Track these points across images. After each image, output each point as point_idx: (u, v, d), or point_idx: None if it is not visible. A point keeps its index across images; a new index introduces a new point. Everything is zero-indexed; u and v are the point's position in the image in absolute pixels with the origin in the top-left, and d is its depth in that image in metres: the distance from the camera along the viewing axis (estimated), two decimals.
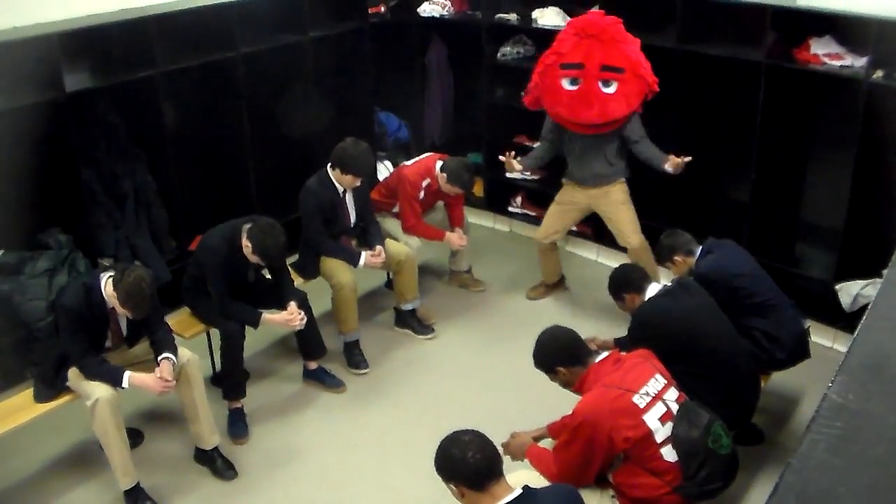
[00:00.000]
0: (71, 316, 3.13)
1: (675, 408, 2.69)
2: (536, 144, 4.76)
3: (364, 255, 4.16)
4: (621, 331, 3.47)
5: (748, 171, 4.27)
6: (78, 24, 3.77)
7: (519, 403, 3.79)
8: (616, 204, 4.34)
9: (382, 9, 5.43)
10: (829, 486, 1.23)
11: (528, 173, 5.39)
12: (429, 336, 4.50)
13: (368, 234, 4.29)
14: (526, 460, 2.86)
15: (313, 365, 4.09)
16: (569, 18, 4.96)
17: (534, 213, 5.46)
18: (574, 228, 5.20)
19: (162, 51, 4.02)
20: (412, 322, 4.52)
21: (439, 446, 2.24)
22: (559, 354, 2.80)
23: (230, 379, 3.74)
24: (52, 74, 3.62)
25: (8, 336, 3.65)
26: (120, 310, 3.15)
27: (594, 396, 2.65)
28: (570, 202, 4.51)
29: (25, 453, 3.58)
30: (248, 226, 3.59)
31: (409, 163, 4.63)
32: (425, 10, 5.44)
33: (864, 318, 1.71)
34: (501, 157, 4.50)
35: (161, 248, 4.29)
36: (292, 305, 3.73)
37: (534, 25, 5.04)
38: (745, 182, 4.32)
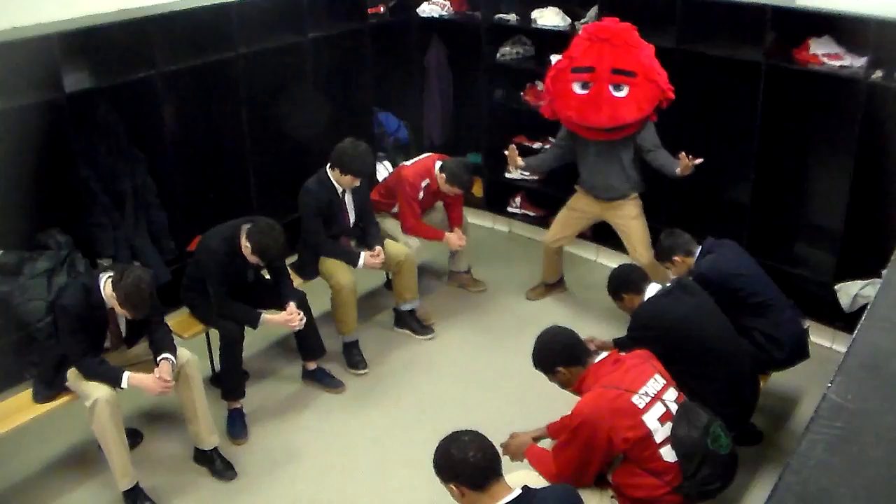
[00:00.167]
0: (70, 316, 3.12)
1: (674, 408, 2.69)
2: (546, 147, 4.76)
3: (363, 256, 4.16)
4: (620, 331, 3.47)
5: (747, 171, 4.27)
6: (77, 25, 3.77)
7: (518, 404, 3.78)
8: (628, 219, 4.29)
9: (382, 9, 5.43)
10: (828, 486, 1.23)
11: (528, 174, 5.40)
12: (428, 336, 4.50)
13: (368, 235, 4.29)
14: (525, 460, 2.86)
15: (312, 365, 4.09)
16: (568, 19, 4.99)
17: (533, 214, 5.47)
18: None
19: (161, 51, 4.02)
20: (411, 322, 4.52)
21: (438, 446, 2.24)
22: (558, 355, 2.80)
23: (229, 379, 3.73)
24: (52, 75, 3.62)
25: (7, 336, 3.66)
26: (119, 310, 3.15)
27: (593, 397, 2.65)
28: (581, 210, 4.48)
29: (25, 454, 3.58)
30: (247, 226, 3.59)
31: (408, 163, 4.63)
32: (424, 10, 5.44)
33: (864, 318, 1.71)
34: (505, 151, 4.49)
35: (160, 249, 4.29)
36: (291, 306, 3.73)
37: (533, 26, 5.04)
38: (745, 182, 4.32)
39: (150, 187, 4.24)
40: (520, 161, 4.49)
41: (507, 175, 5.47)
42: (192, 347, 3.52)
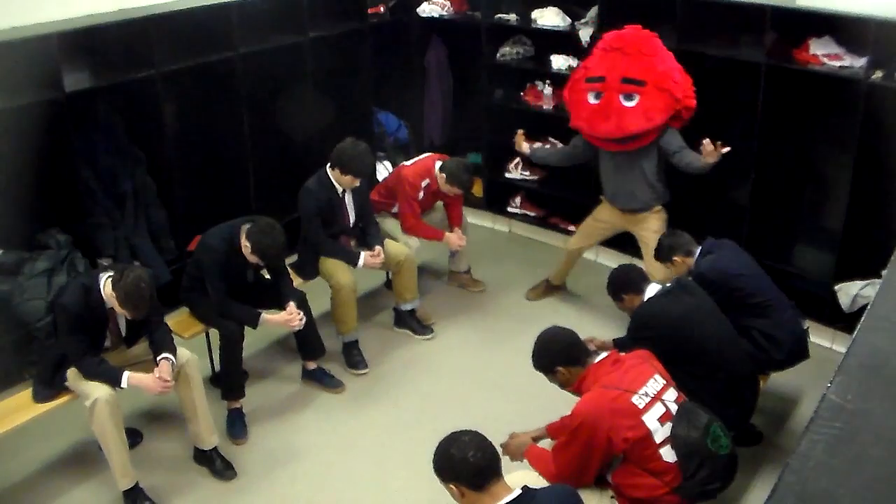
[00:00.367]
0: (70, 316, 3.12)
1: (674, 408, 2.69)
2: (545, 146, 4.75)
3: (363, 256, 4.16)
4: (620, 331, 3.47)
5: (747, 171, 4.27)
6: (77, 25, 3.77)
7: (518, 404, 3.78)
8: (650, 231, 4.19)
9: (382, 9, 5.43)
10: (827, 487, 1.23)
11: (528, 173, 5.41)
12: (428, 336, 4.50)
13: (368, 235, 4.29)
14: (525, 461, 2.86)
15: (312, 365, 4.09)
16: (568, 19, 4.99)
17: (533, 214, 5.47)
18: (573, 228, 5.21)
19: (161, 51, 4.02)
20: (411, 322, 4.52)
21: (438, 447, 2.25)
22: (558, 355, 2.80)
23: (229, 379, 3.73)
24: (52, 74, 3.62)
25: (7, 336, 3.65)
26: (119, 310, 3.15)
27: (593, 397, 2.65)
28: (604, 221, 4.44)
29: (24, 453, 3.58)
30: (247, 226, 3.59)
31: (408, 163, 4.63)
32: (425, 10, 5.44)
33: (863, 318, 1.71)
34: (518, 132, 4.50)
35: (160, 249, 4.29)
36: (291, 306, 3.73)
37: (533, 26, 5.04)
38: (745, 182, 4.32)
39: (150, 187, 4.24)
40: (526, 147, 4.48)
41: (507, 175, 5.48)
42: (191, 347, 3.52)
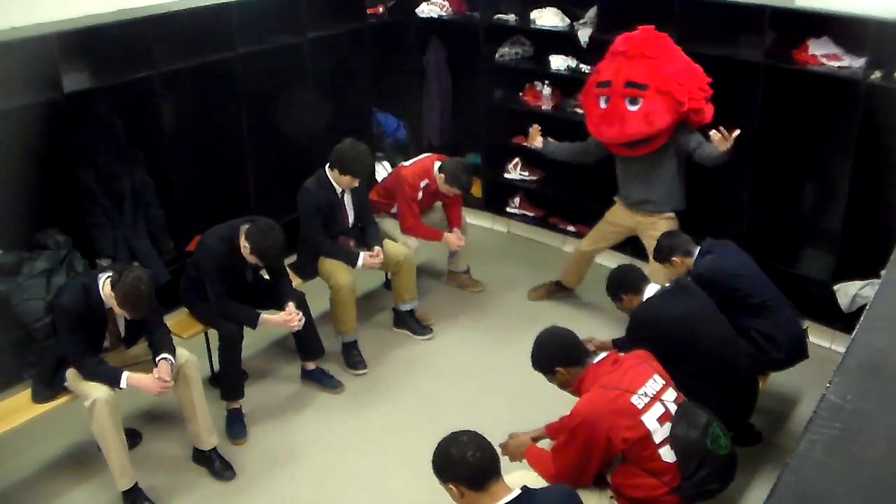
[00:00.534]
0: (69, 316, 3.12)
1: (673, 408, 2.69)
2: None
3: (362, 256, 4.16)
4: (620, 331, 3.47)
5: (746, 171, 4.27)
6: (76, 25, 3.77)
7: (517, 404, 3.78)
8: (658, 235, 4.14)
9: (381, 9, 5.44)
10: (827, 487, 1.23)
11: (526, 174, 5.41)
12: (427, 337, 4.50)
13: (367, 235, 4.29)
14: (524, 461, 2.86)
15: (311, 365, 4.08)
16: (567, 19, 4.99)
17: (532, 214, 5.47)
18: (572, 229, 5.22)
19: (160, 51, 4.02)
20: (410, 322, 4.52)
21: (437, 447, 2.25)
22: (557, 355, 2.80)
23: (228, 379, 3.73)
24: (51, 74, 3.62)
25: (6, 336, 3.65)
26: (118, 310, 3.15)
27: (592, 397, 2.65)
28: (615, 223, 4.39)
29: (23, 454, 3.57)
30: (246, 226, 3.59)
31: (407, 163, 4.63)
32: (423, 10, 5.44)
33: (863, 318, 1.71)
34: (534, 126, 4.51)
35: (159, 249, 4.30)
36: (290, 306, 3.73)
37: (532, 26, 5.04)
38: (744, 182, 4.32)
39: (150, 187, 4.24)
40: (539, 140, 4.48)
41: (506, 175, 5.48)
42: (191, 347, 3.52)
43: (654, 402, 2.65)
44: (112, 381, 3.18)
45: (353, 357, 4.22)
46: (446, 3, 5.43)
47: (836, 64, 3.91)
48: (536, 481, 2.62)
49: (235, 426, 3.73)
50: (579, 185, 5.04)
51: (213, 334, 3.81)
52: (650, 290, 3.26)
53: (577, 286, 4.76)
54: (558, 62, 4.98)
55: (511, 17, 5.14)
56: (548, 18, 4.99)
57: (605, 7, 4.62)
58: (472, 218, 5.38)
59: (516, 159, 5.44)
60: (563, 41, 4.96)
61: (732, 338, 3.22)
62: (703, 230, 3.78)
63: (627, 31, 4.06)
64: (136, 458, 3.43)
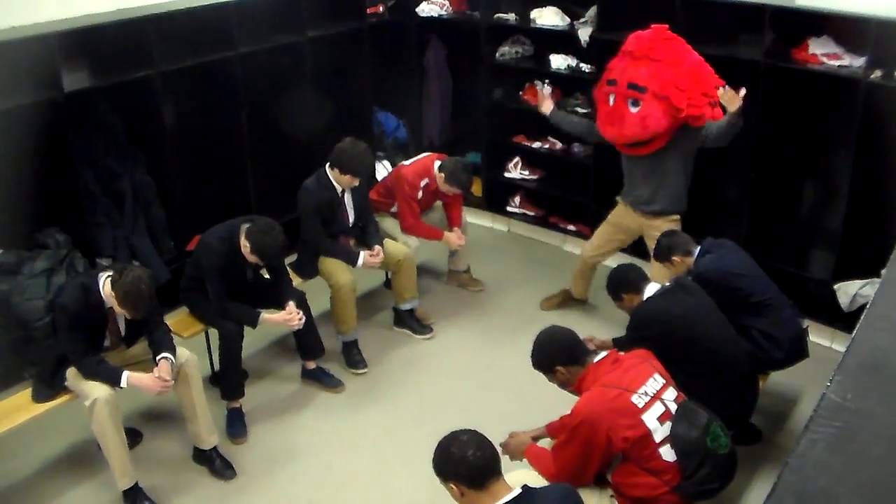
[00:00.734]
0: (69, 315, 3.12)
1: (673, 407, 2.69)
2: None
3: (362, 255, 4.16)
4: (620, 331, 3.47)
5: (746, 170, 4.27)
6: (76, 24, 3.77)
7: (517, 403, 3.78)
8: None
9: (381, 9, 5.43)
10: (827, 486, 1.23)
11: (527, 173, 5.41)
12: (427, 336, 4.50)
13: (367, 234, 4.29)
14: (525, 460, 2.86)
15: (312, 365, 4.09)
16: (567, 19, 4.99)
17: (532, 213, 5.47)
18: (572, 228, 5.21)
19: (160, 51, 4.02)
20: (411, 322, 4.52)
21: (438, 446, 2.25)
22: (558, 354, 2.80)
23: (228, 379, 3.73)
24: (51, 74, 3.62)
25: (6, 336, 3.65)
26: (118, 309, 3.15)
27: (593, 396, 2.65)
28: (619, 224, 4.32)
29: (24, 453, 3.58)
30: (246, 225, 3.59)
31: (407, 162, 4.63)
32: (424, 9, 5.44)
33: (863, 317, 1.71)
34: (545, 89, 4.49)
35: (159, 248, 4.29)
36: (291, 305, 3.73)
37: (532, 25, 5.04)
38: (744, 182, 4.32)
39: (150, 186, 4.24)
40: (549, 103, 4.46)
41: (506, 174, 5.48)
42: (191, 347, 3.52)
43: (655, 401, 2.65)
44: (112, 380, 3.18)
45: (353, 356, 4.22)
46: (446, 3, 5.43)
47: (836, 63, 3.91)
48: (537, 480, 2.62)
49: (236, 425, 3.73)
50: (579, 185, 5.04)
51: (214, 333, 3.81)
52: (650, 289, 3.26)
53: (584, 296, 4.67)
54: (558, 61, 4.98)
55: (511, 17, 5.13)
56: (548, 17, 4.99)
57: (605, 6, 4.62)
58: (472, 217, 5.38)
59: (516, 158, 5.44)
60: (563, 40, 4.96)
61: (733, 337, 3.22)
62: (703, 230, 3.78)
63: (629, 31, 4.04)
64: (137, 457, 3.43)
